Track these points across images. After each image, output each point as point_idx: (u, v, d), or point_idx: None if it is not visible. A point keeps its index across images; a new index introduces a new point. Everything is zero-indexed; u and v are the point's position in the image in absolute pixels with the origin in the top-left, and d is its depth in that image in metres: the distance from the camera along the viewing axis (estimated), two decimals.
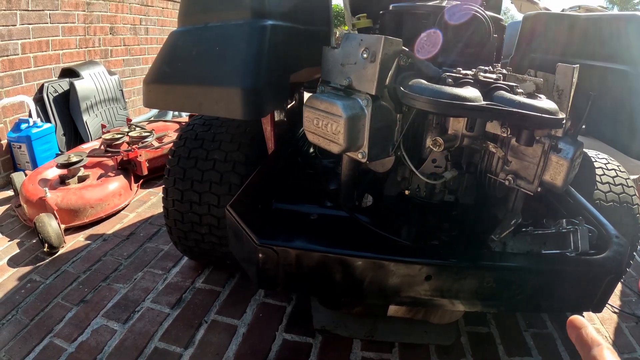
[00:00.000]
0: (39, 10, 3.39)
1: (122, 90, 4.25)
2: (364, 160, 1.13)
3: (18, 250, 2.26)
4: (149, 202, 2.92)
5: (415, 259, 1.05)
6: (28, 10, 3.28)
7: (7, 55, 3.15)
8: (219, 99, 1.18)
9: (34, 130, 3.12)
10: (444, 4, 1.42)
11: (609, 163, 1.99)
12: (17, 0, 3.16)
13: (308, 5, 1.51)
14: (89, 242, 2.37)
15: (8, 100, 3.14)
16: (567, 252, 1.28)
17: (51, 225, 2.23)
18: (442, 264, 1.07)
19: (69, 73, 3.74)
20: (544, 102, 1.08)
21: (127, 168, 2.99)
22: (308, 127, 1.18)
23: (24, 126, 3.12)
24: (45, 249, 2.21)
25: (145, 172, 2.99)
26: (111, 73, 4.13)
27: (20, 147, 3.13)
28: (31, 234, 2.40)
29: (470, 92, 0.99)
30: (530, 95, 1.17)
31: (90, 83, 3.80)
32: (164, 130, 3.50)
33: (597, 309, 1.29)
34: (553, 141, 1.22)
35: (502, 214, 1.39)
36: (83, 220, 2.51)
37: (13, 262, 2.16)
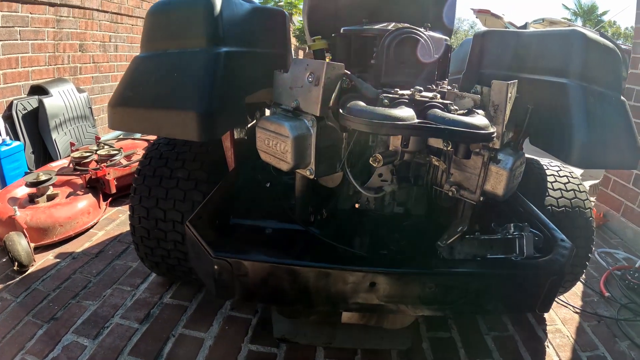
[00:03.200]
0: (9, 27, 3.38)
1: (91, 108, 4.23)
2: (312, 177, 1.21)
3: None
4: (118, 220, 2.92)
5: (359, 267, 1.13)
6: None
7: None
8: (176, 122, 1.25)
9: (3, 149, 3.10)
10: (390, 27, 1.51)
11: (561, 170, 2.07)
12: None
13: (265, 29, 1.59)
14: (58, 260, 2.38)
15: None
16: (512, 256, 1.37)
17: (21, 243, 2.23)
18: (385, 272, 1.14)
19: (38, 90, 3.71)
20: (475, 118, 1.16)
21: (96, 186, 2.99)
22: (260, 146, 1.26)
23: None
24: (15, 268, 2.20)
25: (114, 191, 3.00)
26: (80, 91, 4.11)
27: None
28: (1, 252, 2.39)
29: (404, 112, 1.07)
30: (468, 111, 1.26)
31: (60, 101, 3.78)
32: (132, 148, 3.51)
33: (543, 308, 1.37)
34: (492, 153, 1.31)
35: (452, 223, 1.47)
36: (52, 239, 2.51)
37: None
